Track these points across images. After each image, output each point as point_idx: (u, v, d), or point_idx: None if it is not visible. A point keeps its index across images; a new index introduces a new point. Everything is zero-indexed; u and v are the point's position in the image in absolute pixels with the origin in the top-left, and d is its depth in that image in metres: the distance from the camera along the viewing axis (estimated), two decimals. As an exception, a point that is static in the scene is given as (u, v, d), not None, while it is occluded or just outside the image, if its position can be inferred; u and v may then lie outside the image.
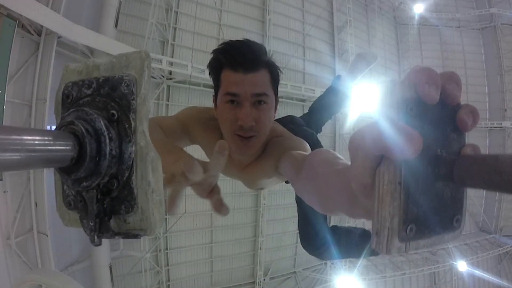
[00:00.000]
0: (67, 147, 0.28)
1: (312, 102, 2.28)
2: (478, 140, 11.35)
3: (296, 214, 1.64)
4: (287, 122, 1.46)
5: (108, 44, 5.24)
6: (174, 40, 7.11)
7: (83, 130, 0.29)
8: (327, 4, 9.32)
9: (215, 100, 0.89)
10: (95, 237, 0.32)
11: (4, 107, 3.73)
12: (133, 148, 0.32)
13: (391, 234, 0.26)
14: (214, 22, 7.57)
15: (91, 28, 5.11)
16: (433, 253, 10.19)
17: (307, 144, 0.91)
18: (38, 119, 4.48)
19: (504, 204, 11.04)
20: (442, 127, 0.28)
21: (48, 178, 4.55)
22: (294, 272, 8.74)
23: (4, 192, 4.17)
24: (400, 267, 9.40)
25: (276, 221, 8.37)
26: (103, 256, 5.54)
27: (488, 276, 9.81)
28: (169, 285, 7.35)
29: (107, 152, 0.30)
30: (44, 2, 4.39)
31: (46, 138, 0.27)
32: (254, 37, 8.07)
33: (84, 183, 0.31)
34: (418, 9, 10.80)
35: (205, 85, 6.96)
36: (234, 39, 0.83)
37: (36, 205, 4.46)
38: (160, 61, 6.08)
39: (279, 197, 8.29)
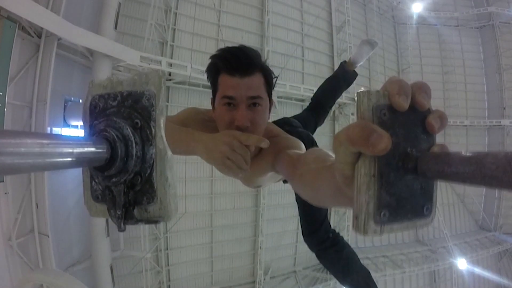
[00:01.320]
0: (103, 150, 0.35)
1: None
2: (477, 138, 11.39)
3: (296, 213, 1.69)
4: (283, 124, 1.53)
5: (108, 46, 5.27)
6: (173, 41, 7.14)
7: (115, 136, 0.36)
8: (326, 4, 9.34)
9: (213, 103, 0.94)
10: (122, 224, 0.38)
11: (5, 109, 3.75)
12: (154, 150, 0.39)
13: (367, 218, 0.31)
14: (213, 23, 7.60)
15: (91, 30, 5.13)
16: (433, 251, 10.22)
17: (302, 144, 0.95)
18: (38, 121, 4.51)
19: (503, 202, 11.07)
20: (413, 129, 0.33)
21: (48, 179, 4.58)
22: (294, 271, 8.77)
23: (6, 193, 4.20)
24: (400, 266, 9.43)
25: (276, 220, 8.40)
26: (104, 256, 5.56)
27: (488, 274, 9.84)
28: (169, 285, 7.37)
29: (133, 154, 0.37)
30: (44, 4, 4.42)
31: (88, 143, 0.34)
32: (253, 38, 8.10)
33: (114, 179, 0.37)
34: (417, 8, 10.84)
35: (204, 86, 6.98)
36: (230, 46, 0.88)
37: (37, 206, 4.49)
38: (160, 62, 6.10)
39: (279, 197, 8.32)
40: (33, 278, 3.07)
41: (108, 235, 5.61)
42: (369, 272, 1.67)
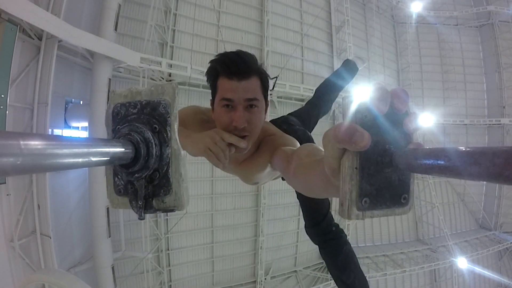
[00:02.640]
0: (129, 150, 0.41)
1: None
2: (477, 137, 11.40)
3: (296, 213, 1.72)
4: (282, 122, 1.60)
5: (108, 47, 5.29)
6: (173, 42, 7.17)
7: (138, 139, 0.43)
8: (325, 4, 9.36)
9: (212, 104, 0.98)
10: (142, 213, 0.45)
11: (7, 111, 3.77)
12: (170, 150, 0.46)
13: (351, 204, 0.36)
14: (212, 24, 7.62)
15: (91, 32, 5.15)
16: (433, 250, 10.25)
17: (297, 141, 1.01)
18: (39, 123, 4.53)
19: (503, 201, 11.08)
20: (392, 129, 0.37)
21: (50, 181, 4.60)
22: (295, 271, 8.79)
23: (7, 195, 4.22)
24: (400, 265, 9.45)
25: (277, 220, 8.42)
26: (105, 257, 5.59)
27: (488, 273, 9.86)
28: (171, 285, 7.40)
29: (153, 153, 0.44)
30: (45, 7, 4.44)
31: (118, 144, 0.40)
32: (253, 38, 8.12)
33: (136, 175, 0.44)
34: (416, 7, 10.85)
35: (204, 87, 7.00)
36: (229, 51, 0.92)
37: (39, 207, 4.51)
38: (160, 63, 6.12)
39: (279, 197, 8.34)
40: (37, 279, 3.10)
41: (110, 236, 5.63)
42: (367, 281, 1.70)
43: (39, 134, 0.27)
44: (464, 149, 0.26)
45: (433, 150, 0.30)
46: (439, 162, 0.28)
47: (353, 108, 0.36)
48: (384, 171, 0.37)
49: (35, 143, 0.26)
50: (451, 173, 0.27)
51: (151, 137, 0.44)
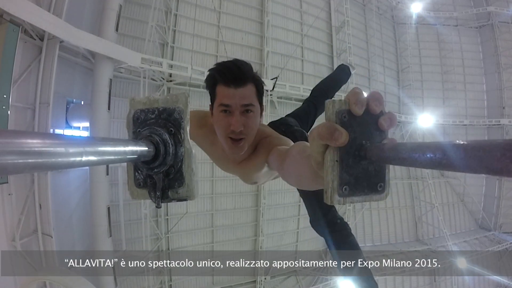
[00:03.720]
0: (150, 149, 0.49)
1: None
2: (477, 137, 11.38)
3: (296, 213, 1.77)
4: (280, 124, 1.70)
5: (109, 48, 5.32)
6: (173, 42, 7.20)
7: (158, 140, 0.51)
8: (325, 4, 9.39)
9: (211, 109, 1.06)
10: (160, 202, 0.54)
11: (9, 112, 3.80)
12: (183, 149, 0.54)
13: (333, 192, 0.42)
14: (213, 24, 7.65)
15: (92, 32, 5.19)
16: (433, 250, 10.27)
17: (292, 142, 1.08)
18: (41, 123, 4.56)
19: (503, 201, 11.11)
20: (368, 127, 0.43)
21: (51, 180, 4.63)
22: (295, 271, 8.82)
23: (9, 194, 4.25)
24: (400, 265, 9.46)
25: (276, 220, 8.45)
26: (106, 256, 5.61)
27: (487, 273, 9.88)
28: (171, 285, 7.43)
29: (170, 152, 0.52)
30: (46, 8, 4.48)
31: (143, 144, 0.48)
32: (253, 39, 8.15)
33: (156, 170, 0.52)
34: (416, 8, 10.89)
35: (204, 87, 7.02)
36: (226, 60, 1.00)
37: (40, 207, 4.55)
38: (160, 64, 6.15)
39: (279, 197, 8.36)
40: (39, 277, 3.12)
41: (110, 236, 5.66)
42: (372, 273, 1.75)
43: (92, 136, 0.34)
44: (417, 144, 0.31)
45: (397, 144, 0.36)
46: (399, 155, 0.34)
47: (333, 110, 0.42)
48: (361, 163, 0.42)
49: (91, 143, 0.33)
50: (408, 163, 0.33)
51: (168, 139, 0.52)
